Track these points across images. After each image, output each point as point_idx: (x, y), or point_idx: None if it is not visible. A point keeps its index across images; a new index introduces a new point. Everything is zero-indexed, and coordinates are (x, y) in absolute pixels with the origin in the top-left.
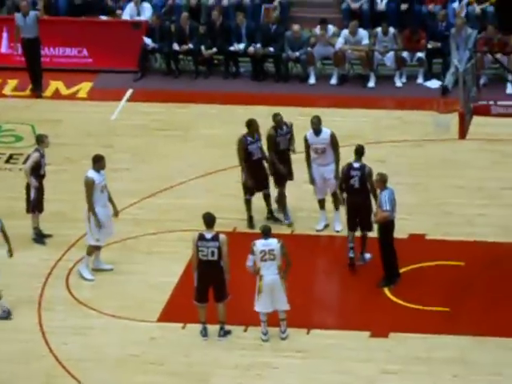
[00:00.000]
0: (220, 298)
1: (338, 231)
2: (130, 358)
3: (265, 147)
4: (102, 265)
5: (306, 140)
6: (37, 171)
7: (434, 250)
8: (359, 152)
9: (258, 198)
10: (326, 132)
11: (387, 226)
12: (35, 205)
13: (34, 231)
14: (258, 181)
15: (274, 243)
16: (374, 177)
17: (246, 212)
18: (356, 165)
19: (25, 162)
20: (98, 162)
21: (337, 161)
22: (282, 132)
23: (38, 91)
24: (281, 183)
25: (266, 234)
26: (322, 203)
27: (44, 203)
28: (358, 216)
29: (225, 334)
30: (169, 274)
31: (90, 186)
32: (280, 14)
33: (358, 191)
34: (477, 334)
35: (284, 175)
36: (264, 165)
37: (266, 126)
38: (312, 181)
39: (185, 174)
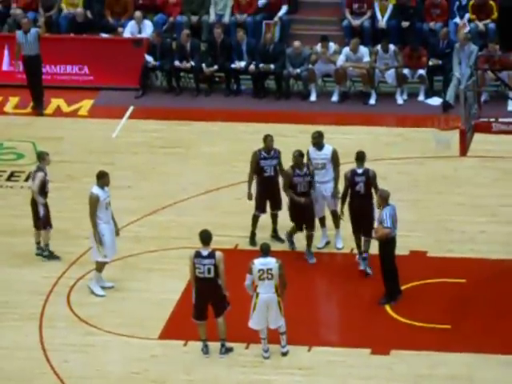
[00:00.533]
0: (219, 313)
1: (339, 248)
2: (131, 375)
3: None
4: (103, 282)
5: (307, 155)
6: (42, 189)
7: (435, 267)
8: (360, 157)
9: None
10: (327, 148)
11: (389, 242)
12: (46, 221)
13: (45, 248)
14: (267, 199)
15: (272, 262)
16: (376, 194)
17: (251, 227)
18: (359, 170)
19: (26, 180)
20: (103, 179)
21: (336, 178)
22: (300, 173)
23: (39, 109)
24: (308, 224)
25: (265, 252)
26: (322, 221)
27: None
28: (363, 220)
29: (226, 351)
30: (170, 291)
31: (94, 202)
32: (280, 30)
33: (363, 196)
34: (479, 351)
35: (307, 213)
36: (277, 184)
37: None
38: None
39: (186, 192)
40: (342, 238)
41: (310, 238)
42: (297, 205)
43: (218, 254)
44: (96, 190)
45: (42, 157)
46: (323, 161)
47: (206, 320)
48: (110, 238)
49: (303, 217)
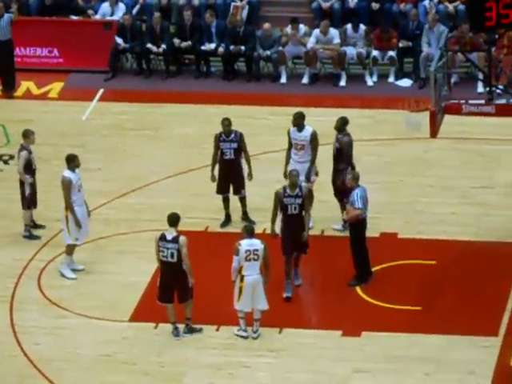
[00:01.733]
0: (182, 299)
1: (309, 228)
2: (102, 357)
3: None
4: (74, 265)
5: (288, 134)
6: (29, 168)
7: (405, 249)
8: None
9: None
10: (307, 130)
11: (359, 224)
12: (30, 201)
13: (25, 228)
14: (228, 181)
15: (258, 243)
16: (347, 175)
17: (224, 210)
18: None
19: (6, 163)
20: (73, 162)
21: (312, 161)
22: (291, 193)
23: (9, 91)
24: (286, 251)
25: (250, 233)
26: None
27: (37, 199)
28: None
29: (189, 331)
30: (140, 273)
31: (67, 185)
32: (250, 12)
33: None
34: (449, 332)
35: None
36: (238, 167)
37: (238, 125)
38: (285, 174)
39: (156, 174)
40: (312, 219)
41: (298, 260)
42: (288, 228)
43: (182, 238)
44: (68, 173)
45: (26, 135)
46: (302, 142)
47: (172, 303)
48: (83, 220)
49: (294, 241)
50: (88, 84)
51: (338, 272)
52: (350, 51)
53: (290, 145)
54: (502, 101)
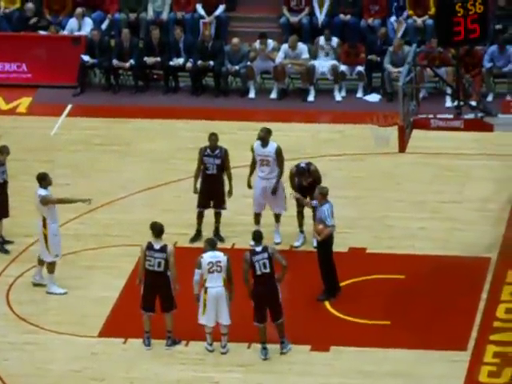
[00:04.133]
0: (166, 308)
1: (277, 243)
2: (71, 373)
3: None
4: (43, 280)
5: (252, 150)
6: None
7: (374, 264)
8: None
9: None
10: (272, 145)
11: (327, 239)
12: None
13: None
14: (210, 196)
15: (220, 255)
16: (316, 190)
17: (196, 225)
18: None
19: None
20: (44, 180)
21: (279, 176)
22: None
23: None
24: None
25: (212, 246)
26: (257, 218)
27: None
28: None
29: (172, 343)
30: (110, 288)
31: (48, 198)
32: (218, 28)
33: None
34: (418, 347)
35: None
36: (220, 183)
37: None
38: (249, 185)
39: (125, 189)
40: (280, 234)
41: (280, 326)
42: (258, 291)
43: (170, 247)
44: (42, 191)
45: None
46: (267, 158)
47: (153, 313)
48: (57, 237)
49: (267, 304)
50: (56, 99)
51: (307, 286)
52: (321, 64)
53: (254, 160)
54: (471, 115)
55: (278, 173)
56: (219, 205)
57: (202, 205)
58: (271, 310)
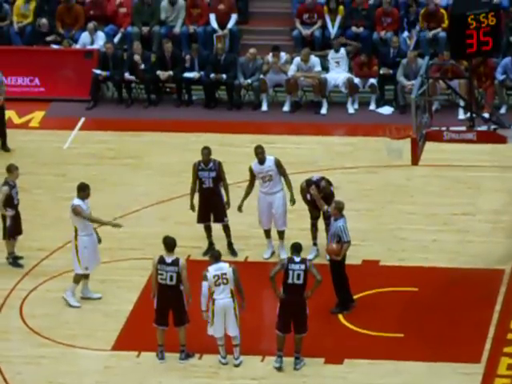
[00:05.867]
0: (179, 322)
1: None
2: None
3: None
4: (89, 294)
5: (251, 170)
6: (10, 202)
7: (387, 276)
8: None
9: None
10: (269, 160)
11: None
12: (11, 232)
13: (9, 256)
14: (209, 210)
15: (225, 267)
16: (332, 205)
17: (207, 239)
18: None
19: None
20: (83, 191)
21: (289, 186)
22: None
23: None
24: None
25: (216, 258)
26: (267, 233)
27: (22, 226)
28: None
29: (186, 357)
30: (123, 302)
31: (79, 210)
32: (231, 41)
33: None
34: (431, 359)
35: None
36: (217, 196)
37: (219, 153)
38: (240, 208)
39: (138, 203)
40: (285, 249)
41: (299, 341)
42: (286, 300)
43: (182, 261)
44: (77, 201)
45: (9, 170)
46: (269, 173)
47: (167, 327)
48: (92, 249)
49: (292, 315)
50: (69, 113)
51: (320, 299)
52: (333, 77)
53: (252, 180)
54: (483, 128)
55: (287, 183)
56: (220, 218)
57: (202, 219)
58: (296, 322)
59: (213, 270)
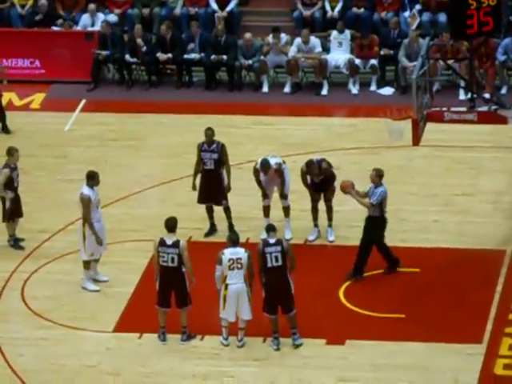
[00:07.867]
0: (181, 304)
1: (288, 239)
2: (86, 368)
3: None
4: (97, 275)
5: (255, 170)
6: (10, 185)
7: None
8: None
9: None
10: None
11: (379, 223)
12: (10, 214)
13: (10, 238)
14: (209, 191)
15: (241, 252)
16: (370, 172)
17: (208, 219)
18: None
19: None
20: (92, 179)
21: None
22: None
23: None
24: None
25: (234, 242)
26: (266, 211)
27: (22, 208)
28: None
29: (188, 338)
30: (124, 283)
31: (87, 204)
32: (231, 22)
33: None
34: (433, 340)
35: None
36: (218, 178)
37: (220, 134)
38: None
39: (139, 184)
40: (290, 229)
41: (292, 318)
42: (269, 284)
43: (182, 242)
44: (87, 190)
45: (10, 153)
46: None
47: (169, 308)
48: (101, 236)
49: (278, 298)
50: (70, 95)
51: (321, 280)
52: (334, 58)
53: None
54: (484, 108)
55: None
56: (218, 200)
57: (202, 200)
58: (282, 303)
59: (228, 254)
